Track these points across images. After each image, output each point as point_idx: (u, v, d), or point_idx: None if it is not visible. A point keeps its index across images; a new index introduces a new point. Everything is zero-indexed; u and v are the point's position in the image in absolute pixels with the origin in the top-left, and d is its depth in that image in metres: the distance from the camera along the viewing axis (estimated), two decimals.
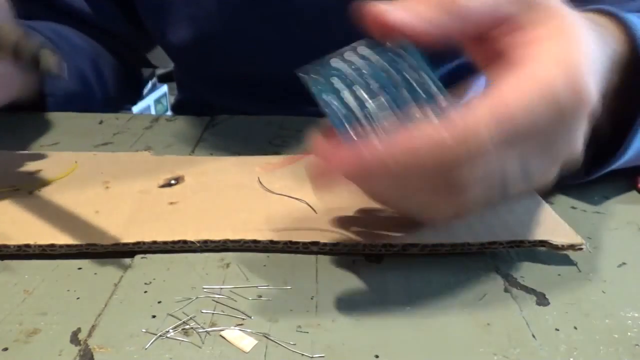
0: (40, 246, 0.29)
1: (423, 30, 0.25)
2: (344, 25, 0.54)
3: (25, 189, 0.35)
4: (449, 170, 0.24)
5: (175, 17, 0.57)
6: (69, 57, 0.56)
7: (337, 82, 0.25)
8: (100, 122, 0.50)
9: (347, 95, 0.25)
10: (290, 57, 0.59)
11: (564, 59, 0.25)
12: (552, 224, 0.31)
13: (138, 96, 0.75)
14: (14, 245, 0.29)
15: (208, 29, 0.57)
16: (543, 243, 0.30)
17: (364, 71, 0.25)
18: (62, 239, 0.29)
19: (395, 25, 0.24)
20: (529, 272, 0.29)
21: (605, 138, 0.35)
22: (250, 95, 0.62)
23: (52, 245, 0.29)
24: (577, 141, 0.26)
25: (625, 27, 0.33)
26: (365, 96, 0.25)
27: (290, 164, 0.28)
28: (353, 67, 0.25)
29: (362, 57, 0.25)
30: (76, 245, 0.29)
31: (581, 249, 0.29)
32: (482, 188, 0.25)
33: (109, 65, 0.63)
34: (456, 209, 0.27)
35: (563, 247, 0.29)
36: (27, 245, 0.29)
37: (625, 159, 0.35)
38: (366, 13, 0.24)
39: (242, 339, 0.23)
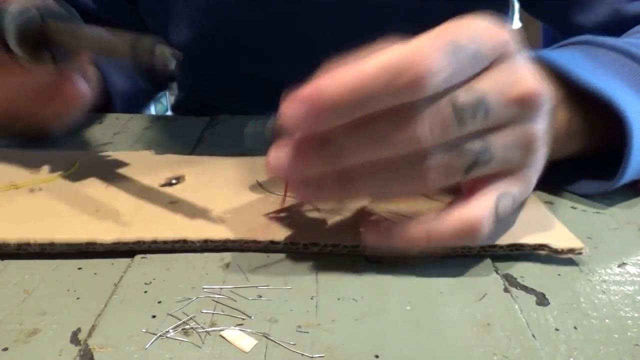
0: (40, 244, 0.29)
1: None
2: (344, 28, 0.54)
3: (25, 187, 0.35)
4: (402, 86, 0.24)
5: (176, 18, 0.57)
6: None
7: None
8: (100, 122, 0.50)
9: None
10: (291, 59, 0.59)
11: (480, 23, 0.26)
12: (552, 227, 0.32)
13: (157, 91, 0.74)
14: (14, 243, 0.29)
15: (208, 30, 0.57)
16: (543, 247, 0.30)
17: None
18: (62, 236, 0.29)
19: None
20: (529, 272, 0.29)
21: (606, 155, 0.36)
22: (250, 95, 0.62)
23: (52, 244, 0.29)
24: (527, 79, 0.27)
25: (550, 65, 0.34)
26: None
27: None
28: None
29: None
30: (76, 244, 0.29)
31: (581, 253, 0.29)
32: (437, 125, 0.25)
33: None
34: (421, 168, 0.26)
35: (563, 251, 0.30)
36: (27, 243, 0.29)
37: (623, 181, 0.35)
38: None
39: (242, 339, 0.23)
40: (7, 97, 0.39)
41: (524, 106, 0.27)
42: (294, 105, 0.25)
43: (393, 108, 0.25)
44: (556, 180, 0.31)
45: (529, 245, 0.30)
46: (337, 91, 0.24)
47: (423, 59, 0.24)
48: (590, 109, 0.34)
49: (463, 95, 0.26)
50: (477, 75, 0.26)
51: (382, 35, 0.31)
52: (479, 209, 0.27)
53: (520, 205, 0.33)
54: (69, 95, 0.39)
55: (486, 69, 0.26)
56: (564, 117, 0.34)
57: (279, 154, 0.27)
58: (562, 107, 0.34)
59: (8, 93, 0.39)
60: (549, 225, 0.32)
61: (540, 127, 0.28)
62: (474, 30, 0.26)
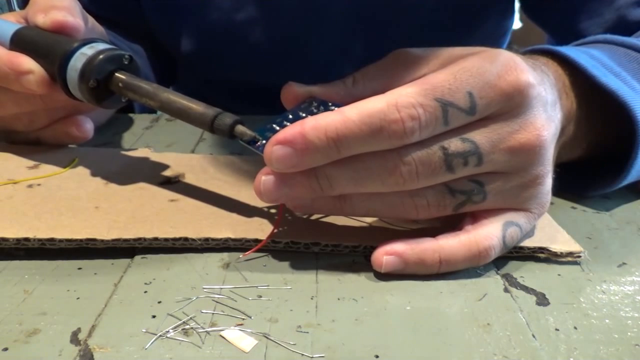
0: (39, 240, 0.29)
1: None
2: (345, 43, 0.54)
3: (24, 183, 0.35)
4: (384, 137, 0.25)
5: (185, 28, 0.58)
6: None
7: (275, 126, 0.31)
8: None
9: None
10: (293, 68, 0.60)
11: (489, 54, 0.26)
12: (552, 230, 0.32)
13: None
14: (13, 239, 0.29)
15: (215, 41, 0.58)
16: (542, 250, 0.30)
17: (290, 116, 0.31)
18: (61, 233, 0.29)
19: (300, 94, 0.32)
20: (529, 272, 0.29)
21: (612, 155, 0.35)
22: (250, 100, 0.62)
23: (52, 240, 0.29)
24: (529, 128, 0.26)
25: (565, 59, 0.34)
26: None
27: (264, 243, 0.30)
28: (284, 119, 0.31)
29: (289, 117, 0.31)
30: (76, 240, 0.29)
31: (580, 256, 0.30)
32: (426, 170, 0.26)
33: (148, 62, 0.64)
34: (412, 202, 0.27)
35: (562, 255, 0.30)
36: (27, 239, 0.29)
37: (626, 182, 0.35)
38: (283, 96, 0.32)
39: (242, 339, 0.23)
40: (16, 115, 0.39)
41: (523, 155, 0.27)
42: (278, 148, 0.25)
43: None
44: (557, 180, 0.30)
45: (529, 249, 0.30)
46: (321, 136, 0.24)
47: (407, 113, 0.24)
48: (600, 107, 0.34)
49: (455, 143, 0.26)
50: (475, 122, 0.26)
51: (379, 50, 0.31)
52: (488, 239, 0.28)
53: None
54: (73, 129, 0.40)
55: (487, 117, 0.26)
56: (575, 116, 0.34)
57: (267, 179, 0.27)
58: (576, 105, 0.34)
59: (20, 110, 0.39)
60: (548, 228, 0.32)
61: (542, 169, 0.28)
62: (480, 81, 0.25)
